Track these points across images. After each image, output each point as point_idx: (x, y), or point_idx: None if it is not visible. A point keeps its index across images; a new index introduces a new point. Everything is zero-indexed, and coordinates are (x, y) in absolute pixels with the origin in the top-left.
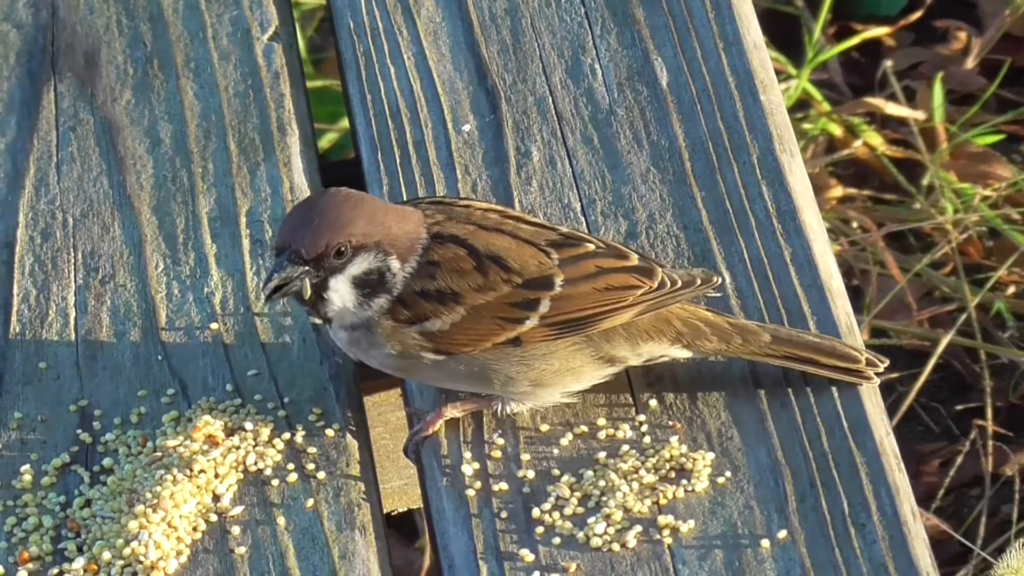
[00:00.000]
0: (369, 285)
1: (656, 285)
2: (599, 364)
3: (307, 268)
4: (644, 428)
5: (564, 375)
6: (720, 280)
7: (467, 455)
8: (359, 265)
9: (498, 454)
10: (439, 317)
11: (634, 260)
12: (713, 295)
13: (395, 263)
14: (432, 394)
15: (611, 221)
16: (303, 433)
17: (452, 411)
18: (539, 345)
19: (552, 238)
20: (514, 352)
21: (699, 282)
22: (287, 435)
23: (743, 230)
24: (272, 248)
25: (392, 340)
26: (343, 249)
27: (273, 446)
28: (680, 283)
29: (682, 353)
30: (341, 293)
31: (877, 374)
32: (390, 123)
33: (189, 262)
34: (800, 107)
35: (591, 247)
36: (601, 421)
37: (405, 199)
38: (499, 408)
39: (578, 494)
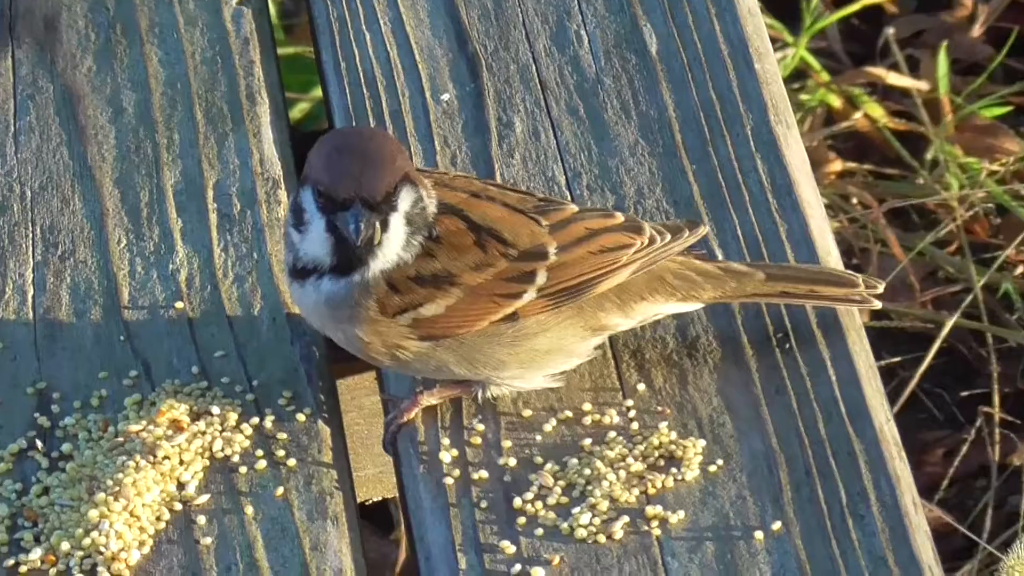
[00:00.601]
0: (414, 222)
1: (647, 240)
2: (590, 335)
3: (375, 212)
4: (632, 414)
5: (554, 354)
6: (706, 229)
7: (445, 441)
8: (406, 200)
9: (478, 441)
10: (434, 302)
11: (620, 218)
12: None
13: (427, 197)
14: (408, 378)
15: (598, 195)
16: (272, 418)
17: (429, 399)
18: (531, 321)
19: (534, 204)
20: (506, 331)
21: (687, 232)
22: (256, 420)
23: (737, 206)
24: (322, 198)
25: (367, 331)
26: (396, 187)
27: (241, 431)
28: (669, 237)
29: (677, 307)
30: (398, 232)
31: (877, 296)
32: (365, 92)
33: (153, 237)
34: (797, 77)
35: (574, 208)
36: (587, 406)
37: None
38: (479, 393)
39: (562, 483)
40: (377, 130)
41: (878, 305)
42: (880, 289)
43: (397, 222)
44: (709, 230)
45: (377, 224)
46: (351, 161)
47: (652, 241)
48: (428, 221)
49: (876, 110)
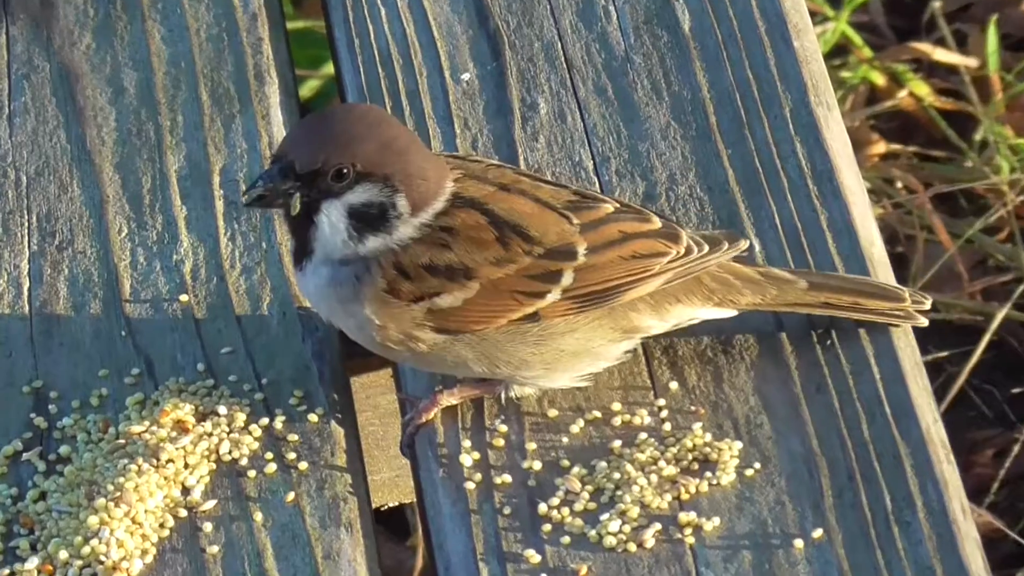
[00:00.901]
0: (366, 220)
1: (683, 250)
2: (622, 337)
3: (298, 184)
4: (664, 414)
5: (582, 356)
6: (748, 244)
7: (466, 444)
8: (360, 194)
9: (501, 443)
10: (450, 293)
11: (656, 223)
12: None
13: (404, 203)
14: (426, 375)
15: (627, 181)
16: (283, 418)
17: (448, 398)
18: (557, 321)
19: (568, 199)
20: (530, 330)
21: (726, 245)
22: (265, 420)
23: (774, 192)
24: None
25: (379, 315)
26: (344, 171)
27: (250, 433)
28: (707, 248)
29: (713, 313)
30: (332, 221)
31: (923, 312)
32: (380, 71)
33: (156, 226)
34: (838, 53)
35: (609, 208)
36: (616, 406)
37: None
38: (503, 393)
39: (590, 487)
40: (370, 110)
41: (924, 322)
42: (927, 305)
43: (334, 210)
44: (750, 240)
45: (297, 197)
46: (305, 126)
47: (689, 251)
48: (391, 227)
49: (922, 88)
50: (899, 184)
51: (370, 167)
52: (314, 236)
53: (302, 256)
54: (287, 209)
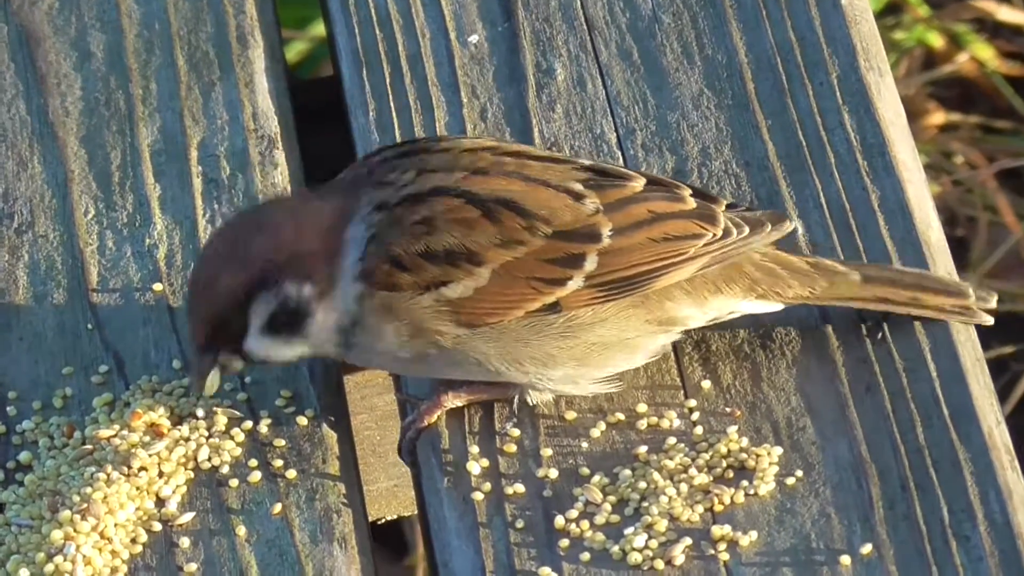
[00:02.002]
0: (286, 327)
1: (720, 233)
2: (657, 330)
3: (213, 352)
4: (695, 416)
5: (614, 349)
6: (793, 225)
7: (474, 449)
8: (259, 315)
9: (513, 448)
10: (457, 281)
11: (691, 203)
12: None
13: (308, 289)
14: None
15: (654, 156)
16: (269, 421)
17: (454, 399)
18: (583, 311)
19: (582, 177)
20: (554, 322)
21: (769, 228)
22: (249, 424)
23: (819, 168)
24: None
25: (393, 314)
26: (231, 327)
27: (231, 438)
28: (748, 230)
29: (756, 306)
30: (268, 350)
31: (988, 311)
32: (378, 32)
33: (127, 207)
34: (891, 11)
35: (637, 186)
36: (642, 407)
37: (367, 153)
38: (516, 397)
39: (612, 498)
40: (220, 235)
41: (989, 321)
42: (992, 303)
43: (256, 343)
44: (794, 221)
45: (230, 360)
46: (188, 297)
47: (727, 234)
48: (312, 311)
49: (984, 51)
50: (959, 159)
51: (250, 286)
52: (278, 360)
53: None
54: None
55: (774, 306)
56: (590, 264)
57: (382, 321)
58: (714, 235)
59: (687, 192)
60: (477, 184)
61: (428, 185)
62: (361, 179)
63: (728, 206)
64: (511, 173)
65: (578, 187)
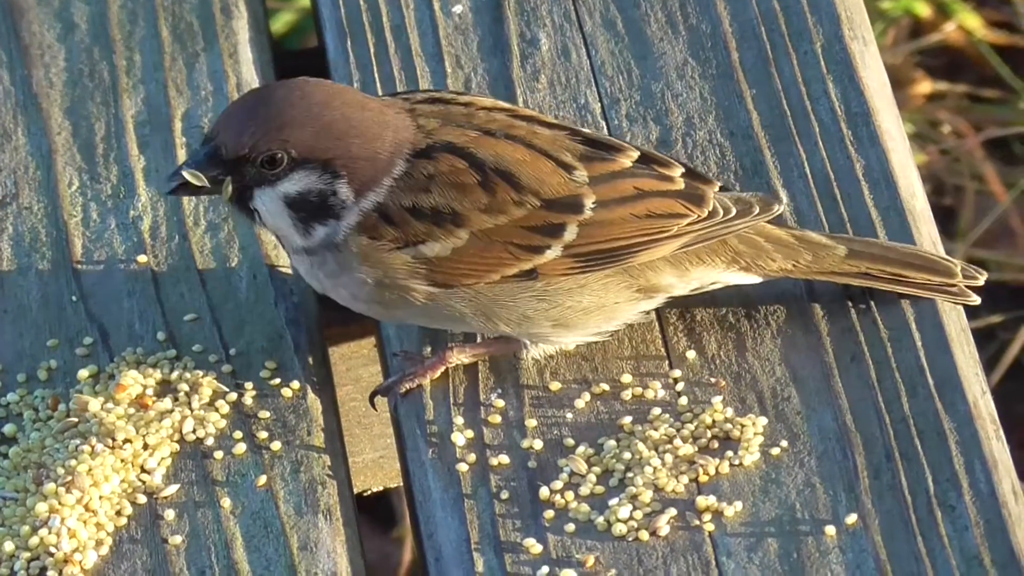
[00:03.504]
0: (307, 210)
1: (706, 214)
2: (638, 297)
3: (223, 171)
4: (680, 386)
5: (593, 313)
6: (781, 208)
7: (458, 420)
8: (295, 183)
9: (497, 419)
10: (437, 240)
11: (680, 183)
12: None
13: (345, 190)
14: (417, 337)
15: (639, 126)
16: (253, 393)
17: (459, 355)
18: (562, 279)
19: (577, 148)
20: (531, 287)
21: (757, 210)
22: (233, 396)
23: (804, 137)
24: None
25: (368, 263)
26: (277, 157)
27: (216, 409)
28: (734, 212)
29: (739, 277)
30: (271, 211)
31: (976, 290)
32: (362, 2)
33: (111, 178)
34: None
35: (627, 162)
36: (626, 378)
37: (394, 92)
38: (525, 353)
39: (597, 469)
40: (313, 89)
41: (976, 300)
42: (981, 281)
43: (269, 199)
44: (782, 204)
45: (228, 183)
46: (240, 104)
47: (713, 215)
48: (337, 213)
49: (972, 20)
50: (946, 128)
51: (306, 152)
52: (265, 223)
53: (283, 243)
54: (222, 195)
55: (756, 278)
56: (569, 234)
57: (362, 264)
58: (698, 216)
59: (678, 171)
60: (485, 148)
61: (442, 139)
62: (405, 120)
63: (721, 188)
64: (519, 139)
65: (568, 157)
